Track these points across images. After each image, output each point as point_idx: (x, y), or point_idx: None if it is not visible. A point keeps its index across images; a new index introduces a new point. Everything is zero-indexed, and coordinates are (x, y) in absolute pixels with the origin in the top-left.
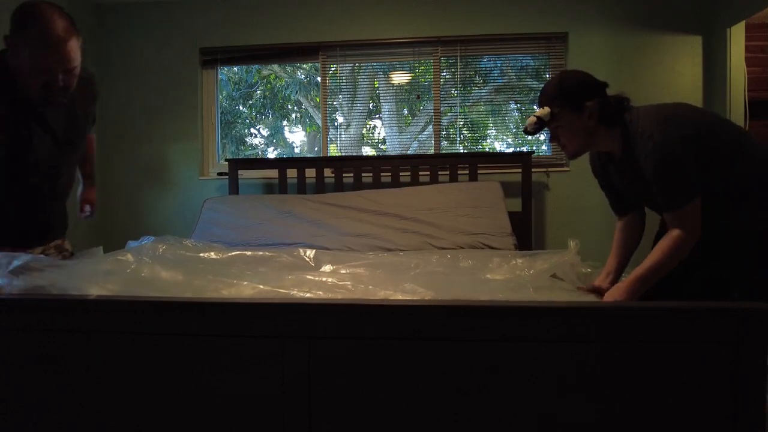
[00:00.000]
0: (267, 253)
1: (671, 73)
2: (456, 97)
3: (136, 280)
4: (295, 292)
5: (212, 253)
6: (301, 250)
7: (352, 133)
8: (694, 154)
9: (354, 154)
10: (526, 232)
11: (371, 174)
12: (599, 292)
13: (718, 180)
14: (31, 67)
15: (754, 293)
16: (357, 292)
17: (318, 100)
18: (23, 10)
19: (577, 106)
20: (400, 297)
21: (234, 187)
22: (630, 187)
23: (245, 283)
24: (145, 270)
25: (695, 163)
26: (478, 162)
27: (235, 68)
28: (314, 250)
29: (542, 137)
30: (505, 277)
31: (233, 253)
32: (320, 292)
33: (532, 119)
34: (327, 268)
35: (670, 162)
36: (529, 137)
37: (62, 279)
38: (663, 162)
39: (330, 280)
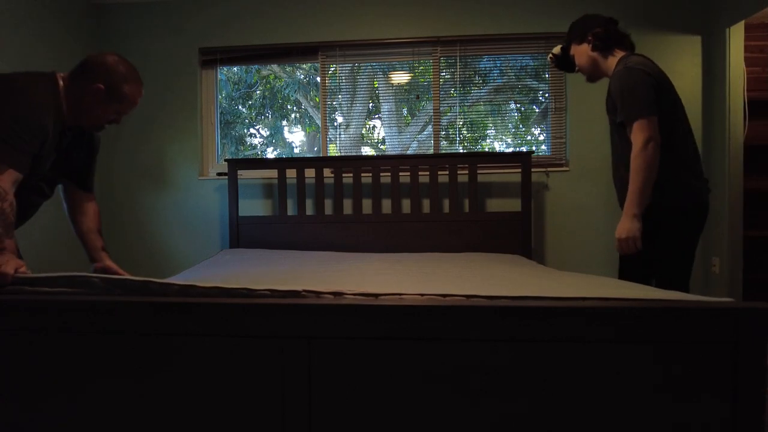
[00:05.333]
0: None
1: (671, 73)
2: (455, 97)
3: None
4: None
5: None
6: None
7: (351, 132)
8: (653, 90)
9: (353, 153)
10: (526, 232)
11: (371, 174)
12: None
13: (664, 136)
14: (117, 108)
15: (674, 266)
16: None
17: (317, 100)
18: (128, 65)
19: (580, 38)
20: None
21: (233, 187)
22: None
23: None
24: None
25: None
26: (478, 162)
27: (235, 68)
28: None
29: (542, 137)
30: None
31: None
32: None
33: (557, 48)
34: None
35: (632, 80)
36: (529, 137)
37: None
38: (627, 78)
39: None
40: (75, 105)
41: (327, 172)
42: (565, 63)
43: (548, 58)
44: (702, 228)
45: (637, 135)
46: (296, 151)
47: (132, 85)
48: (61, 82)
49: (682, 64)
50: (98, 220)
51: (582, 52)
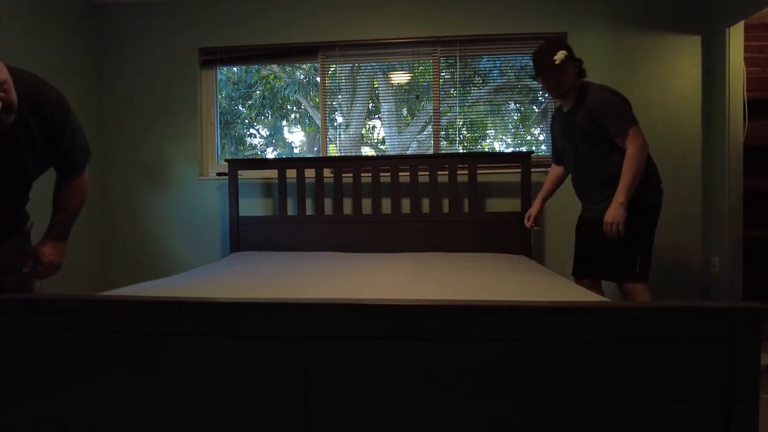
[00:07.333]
0: None
1: (671, 73)
2: (455, 97)
3: None
4: None
5: None
6: None
7: (351, 133)
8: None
9: (353, 154)
10: (526, 232)
11: (370, 174)
12: (534, 217)
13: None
14: None
15: (641, 244)
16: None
17: (317, 100)
18: None
19: (572, 59)
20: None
21: (233, 187)
22: (562, 140)
23: None
24: None
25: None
26: (478, 162)
27: (235, 68)
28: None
29: (541, 137)
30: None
31: None
32: None
33: (562, 53)
34: None
35: (617, 102)
36: (529, 137)
37: None
38: (611, 97)
39: None
40: None
41: (327, 172)
42: (549, 68)
43: (554, 58)
44: (649, 219)
45: (634, 140)
46: (296, 151)
47: None
48: None
49: (681, 64)
50: (74, 196)
51: (572, 72)
